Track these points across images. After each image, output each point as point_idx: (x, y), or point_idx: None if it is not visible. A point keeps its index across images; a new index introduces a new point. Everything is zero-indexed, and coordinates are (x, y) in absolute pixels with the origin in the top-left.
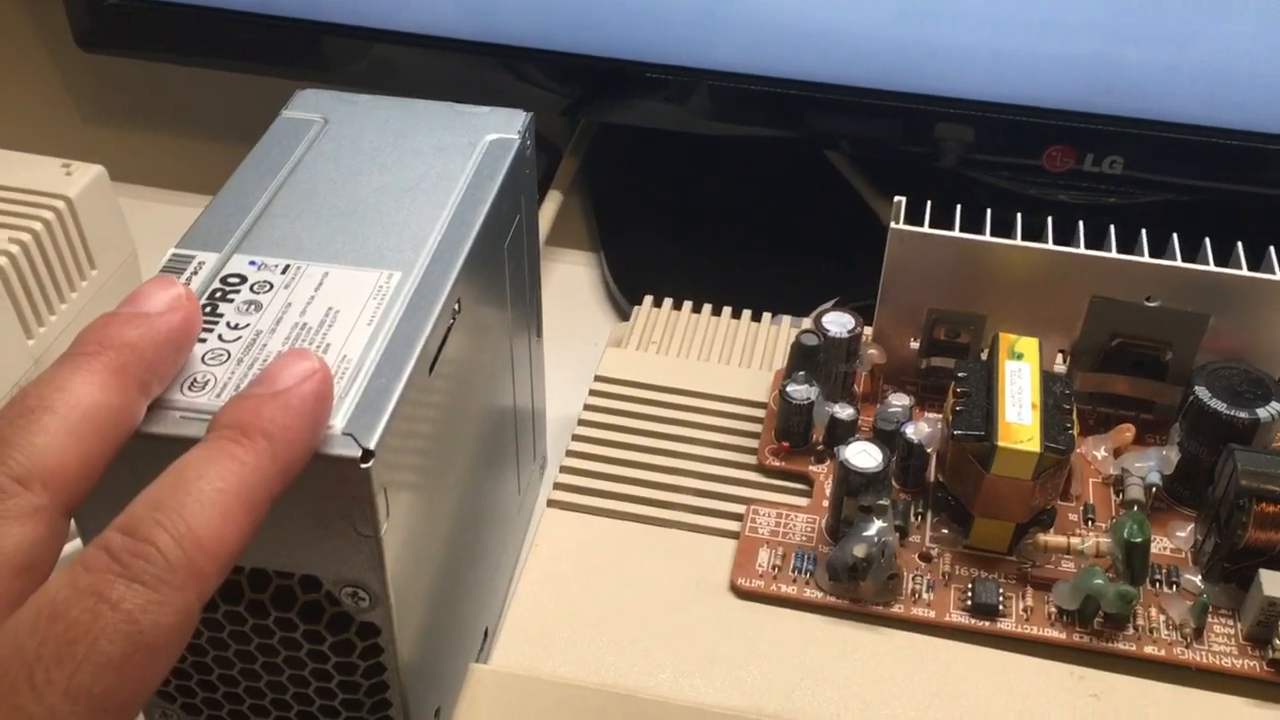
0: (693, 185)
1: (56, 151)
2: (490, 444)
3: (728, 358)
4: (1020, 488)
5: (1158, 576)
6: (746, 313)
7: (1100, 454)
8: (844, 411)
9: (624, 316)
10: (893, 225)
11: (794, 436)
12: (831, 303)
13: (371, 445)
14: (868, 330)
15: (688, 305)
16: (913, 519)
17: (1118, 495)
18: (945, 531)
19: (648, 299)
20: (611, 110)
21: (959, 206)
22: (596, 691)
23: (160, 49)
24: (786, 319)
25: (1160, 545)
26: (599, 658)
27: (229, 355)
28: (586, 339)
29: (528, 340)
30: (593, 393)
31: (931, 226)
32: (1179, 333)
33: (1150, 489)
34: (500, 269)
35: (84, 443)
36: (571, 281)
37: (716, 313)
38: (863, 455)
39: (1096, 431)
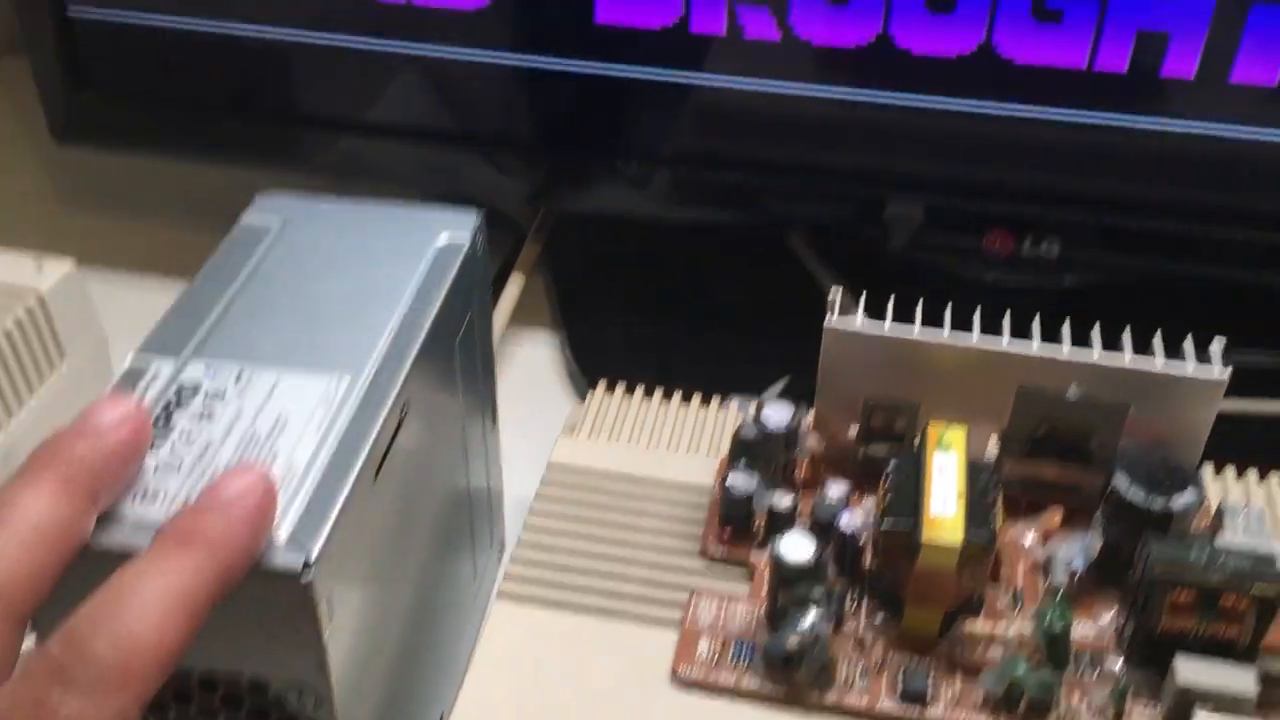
0: (655, 265)
1: (30, 238)
2: (444, 534)
3: (677, 443)
4: (946, 578)
5: (1083, 661)
6: (696, 397)
7: (1029, 538)
8: (783, 501)
9: (584, 396)
10: (827, 321)
11: (736, 525)
12: (782, 382)
13: (313, 556)
14: (809, 418)
15: (640, 390)
16: (848, 606)
17: (1045, 579)
18: (879, 618)
19: (600, 385)
20: (572, 199)
21: (891, 299)
22: None
23: (135, 142)
24: (735, 402)
25: (1085, 630)
26: None
27: (180, 466)
28: (549, 418)
29: (482, 429)
30: (544, 481)
31: (873, 312)
32: (1101, 421)
33: (1074, 575)
34: (451, 365)
35: (33, 553)
36: (534, 360)
37: (668, 397)
38: (795, 548)
39: (1027, 515)
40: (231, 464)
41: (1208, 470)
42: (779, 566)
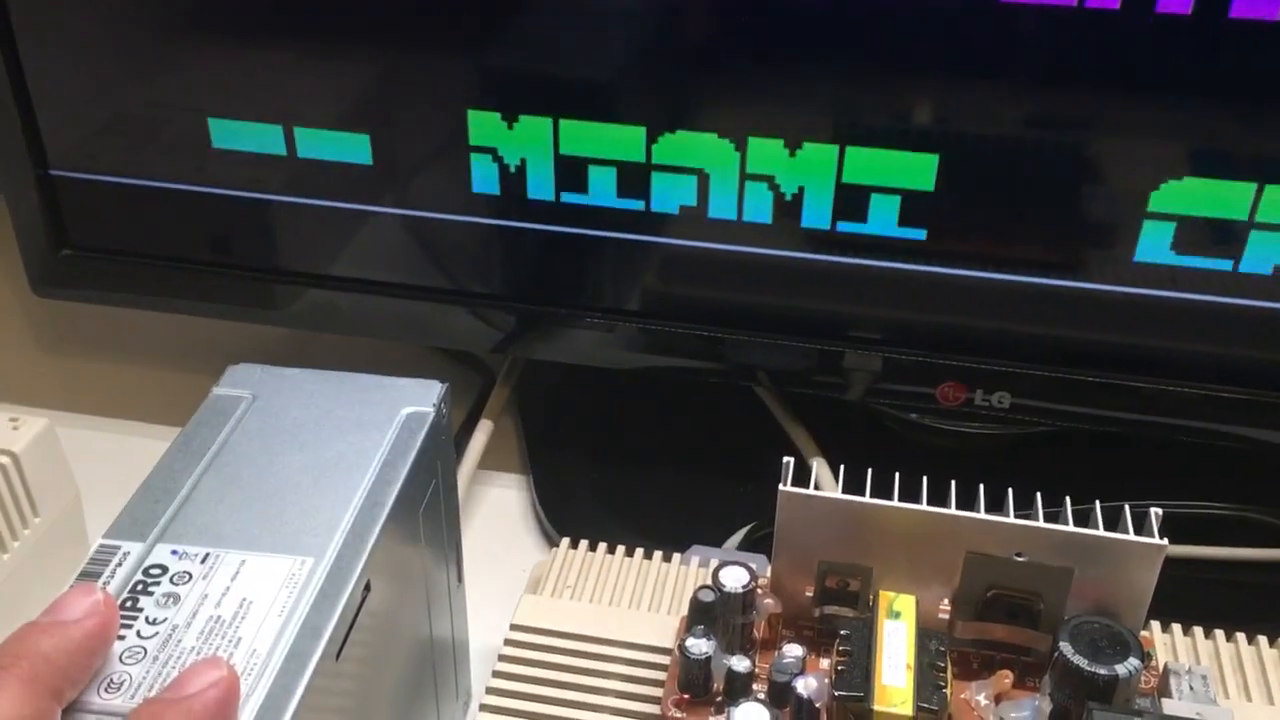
0: (622, 410)
1: (7, 385)
2: (408, 691)
3: (639, 602)
4: None
5: None
6: (658, 554)
7: (982, 700)
8: (740, 664)
9: (553, 541)
10: (781, 488)
11: (694, 688)
12: (745, 530)
13: None
14: (766, 578)
15: (603, 547)
16: None
17: None
18: None
19: (564, 541)
20: (539, 348)
21: (842, 467)
22: None
23: (113, 292)
24: (695, 559)
25: None
26: None
27: (145, 653)
28: (517, 560)
29: (447, 585)
30: (508, 642)
31: (833, 465)
32: (1047, 585)
33: None
34: (415, 533)
35: None
36: (503, 503)
37: (630, 554)
38: (751, 717)
39: (980, 676)
40: (196, 650)
41: (1154, 627)
42: None
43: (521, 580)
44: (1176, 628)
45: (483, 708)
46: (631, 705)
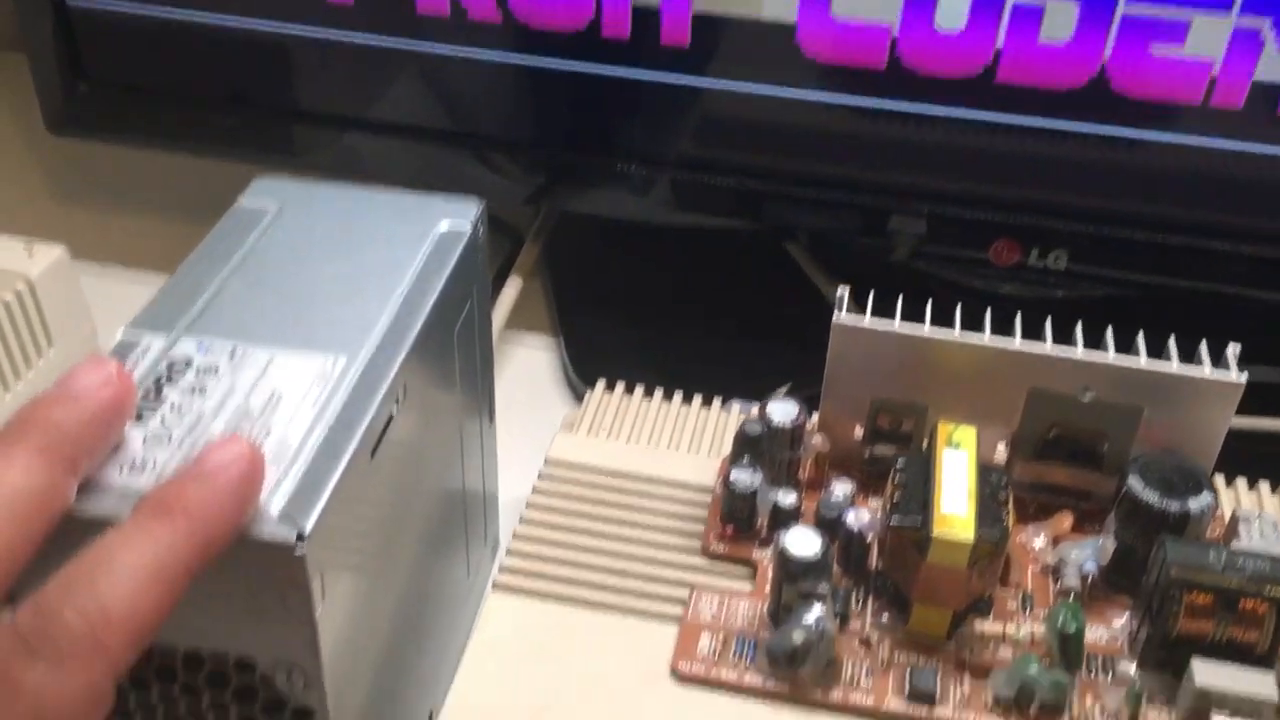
0: (652, 270)
1: (22, 230)
2: (438, 526)
3: (677, 443)
4: (956, 576)
5: (1094, 665)
6: (697, 398)
7: (1039, 542)
8: (787, 498)
9: (581, 399)
10: (835, 318)
11: (738, 522)
12: (783, 389)
13: (307, 529)
14: (814, 418)
15: (639, 390)
16: (853, 605)
17: (1055, 583)
18: (885, 618)
19: (600, 383)
20: (572, 199)
21: (900, 298)
22: None
23: (130, 134)
24: (736, 405)
25: (1097, 634)
26: None
27: (170, 438)
28: (544, 422)
29: (479, 424)
30: (542, 476)
31: (876, 315)
32: (1114, 424)
33: (1086, 578)
34: (450, 354)
35: (7, 527)
36: (531, 365)
37: (668, 398)
38: (802, 543)
39: (1037, 519)
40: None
41: (1219, 481)
42: (784, 560)
43: (548, 440)
44: (1241, 482)
45: (516, 536)
46: (670, 539)
